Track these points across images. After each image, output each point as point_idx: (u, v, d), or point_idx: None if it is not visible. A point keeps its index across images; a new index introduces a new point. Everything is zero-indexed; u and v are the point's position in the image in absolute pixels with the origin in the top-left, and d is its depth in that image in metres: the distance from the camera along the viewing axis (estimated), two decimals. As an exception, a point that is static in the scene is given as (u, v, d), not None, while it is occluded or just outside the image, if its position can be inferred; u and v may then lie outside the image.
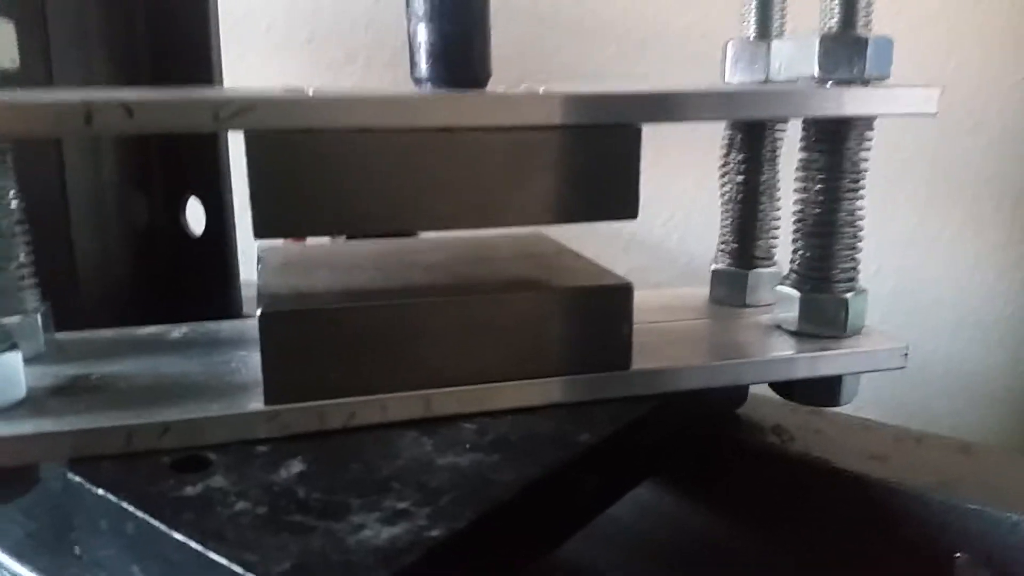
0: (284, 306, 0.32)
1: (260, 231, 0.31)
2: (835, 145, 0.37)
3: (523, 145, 0.33)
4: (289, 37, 0.85)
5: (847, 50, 0.35)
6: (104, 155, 0.55)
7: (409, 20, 0.34)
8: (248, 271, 0.59)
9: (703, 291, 0.45)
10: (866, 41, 0.35)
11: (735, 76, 0.41)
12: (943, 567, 0.35)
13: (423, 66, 0.34)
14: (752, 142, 0.42)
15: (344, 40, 0.84)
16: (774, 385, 0.40)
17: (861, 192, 0.38)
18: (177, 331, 0.40)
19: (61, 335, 0.39)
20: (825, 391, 0.39)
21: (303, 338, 0.32)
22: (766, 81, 0.40)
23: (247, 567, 0.25)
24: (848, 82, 0.36)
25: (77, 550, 0.32)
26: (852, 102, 0.36)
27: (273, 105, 0.30)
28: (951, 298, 0.76)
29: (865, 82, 0.36)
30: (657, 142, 0.75)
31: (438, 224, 0.33)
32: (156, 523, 0.27)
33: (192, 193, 0.57)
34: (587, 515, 0.34)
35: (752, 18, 0.41)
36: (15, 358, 0.32)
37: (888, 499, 0.37)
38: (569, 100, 0.32)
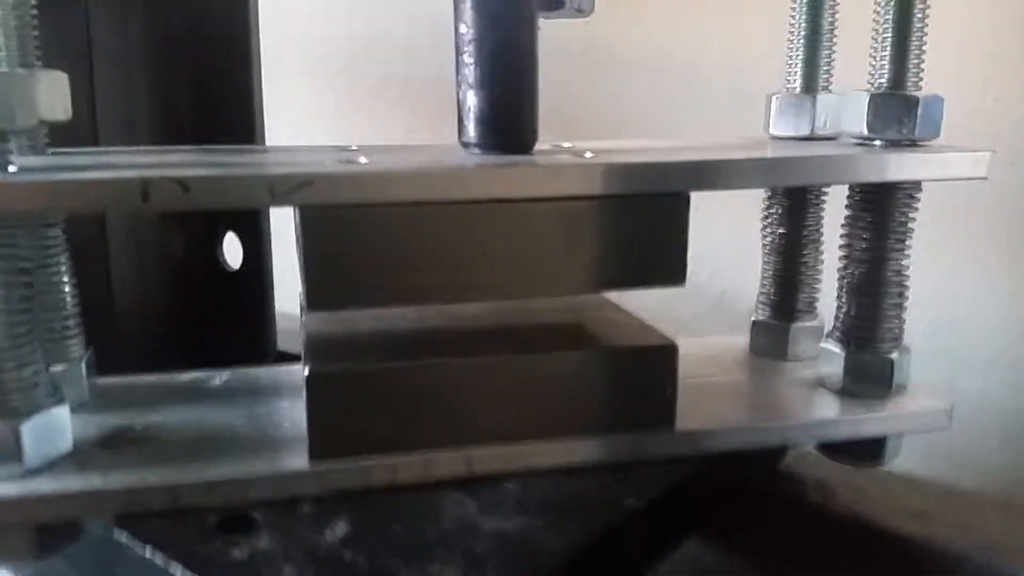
0: (330, 366, 0.32)
1: (313, 304, 0.32)
2: (881, 208, 0.37)
3: (572, 215, 0.33)
4: (324, 66, 0.86)
5: (897, 109, 0.35)
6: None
7: (459, 86, 0.34)
8: (282, 303, 0.59)
9: (742, 340, 0.45)
10: (917, 100, 0.35)
11: (778, 129, 0.41)
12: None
13: (471, 131, 0.34)
14: (796, 192, 0.42)
15: (379, 69, 0.84)
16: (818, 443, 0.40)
17: (907, 252, 0.37)
18: (218, 378, 0.40)
19: (103, 380, 0.39)
20: (869, 451, 0.38)
21: (349, 396, 0.32)
22: (811, 134, 0.40)
23: (297, 642, 0.25)
24: (896, 142, 0.36)
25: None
26: (900, 168, 0.35)
27: (329, 180, 0.30)
28: (985, 335, 0.75)
29: (913, 142, 0.36)
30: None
31: (488, 295, 0.33)
32: (205, 589, 0.27)
33: (229, 228, 0.58)
34: (638, 570, 0.34)
35: (798, 71, 0.40)
36: (63, 412, 0.32)
37: (933, 560, 0.36)
38: (616, 169, 0.33)
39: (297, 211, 0.31)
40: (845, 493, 0.40)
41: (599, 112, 0.75)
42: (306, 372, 0.32)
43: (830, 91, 0.41)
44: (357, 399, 0.32)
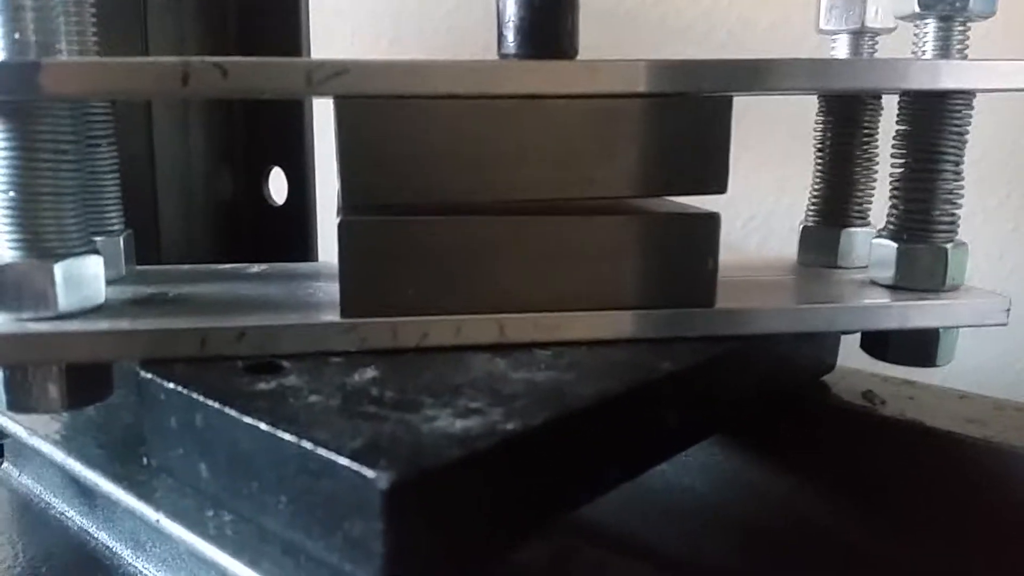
0: (364, 215, 0.32)
1: (348, 198, 0.31)
2: (934, 115, 0.36)
3: (609, 113, 0.32)
4: (373, 40, 0.87)
5: (950, -20, 0.34)
6: (192, 126, 0.56)
7: None
8: (326, 251, 0.59)
9: (790, 255, 0.44)
10: (970, -30, 0.34)
11: (829, 23, 0.40)
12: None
13: (511, 41, 0.34)
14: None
15: (426, 43, 0.85)
16: (866, 344, 0.38)
17: (962, 155, 0.36)
18: (256, 267, 0.40)
19: (141, 267, 0.39)
20: (921, 349, 0.37)
21: (381, 249, 0.31)
22: (862, 28, 0.39)
23: (319, 444, 0.24)
24: (950, 17, 0.34)
25: (145, 460, 0.32)
26: (950, 75, 0.34)
27: (366, 69, 0.30)
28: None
29: (967, 18, 0.35)
30: (737, 140, 0.74)
31: (522, 192, 0.32)
32: (227, 410, 0.26)
33: (275, 164, 0.58)
34: (665, 450, 0.32)
35: (849, -37, 0.39)
36: (96, 261, 0.32)
37: (993, 461, 0.34)
38: (656, 68, 0.32)
39: (334, 103, 0.31)
40: (895, 402, 0.38)
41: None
42: (339, 220, 0.31)
43: (882, -17, 0.40)
44: (389, 253, 0.32)
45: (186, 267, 0.40)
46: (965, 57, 0.35)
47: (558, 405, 0.27)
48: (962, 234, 0.37)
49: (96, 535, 0.37)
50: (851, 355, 0.40)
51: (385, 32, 0.86)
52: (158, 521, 0.28)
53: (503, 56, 0.35)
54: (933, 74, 0.34)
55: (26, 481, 0.42)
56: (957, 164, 0.36)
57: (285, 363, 0.30)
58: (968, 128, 0.36)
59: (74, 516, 0.39)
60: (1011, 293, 0.70)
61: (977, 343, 0.69)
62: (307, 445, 0.24)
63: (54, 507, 0.40)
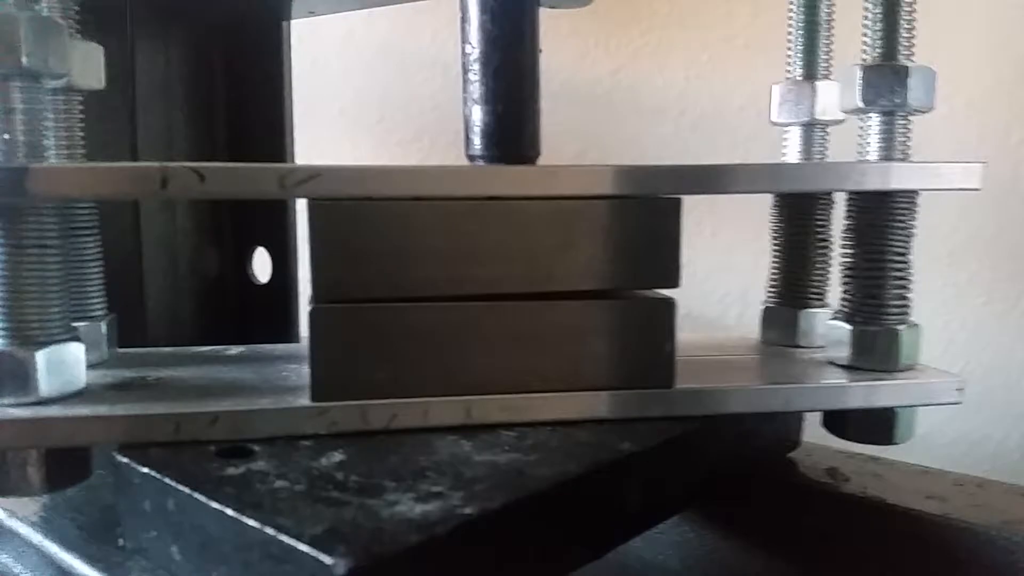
0: (335, 302, 0.33)
1: (320, 294, 0.33)
2: (880, 214, 0.37)
3: (567, 214, 0.34)
4: (360, 119, 0.89)
5: (888, 79, 0.36)
6: (178, 207, 0.58)
7: (465, 102, 0.36)
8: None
9: (753, 334, 0.45)
10: (907, 70, 0.36)
11: (781, 117, 0.42)
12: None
13: (477, 145, 0.36)
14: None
15: (411, 121, 0.87)
16: (827, 422, 0.39)
17: (909, 248, 0.38)
18: (235, 349, 0.42)
19: (123, 350, 0.41)
20: (879, 427, 0.38)
21: (351, 334, 0.33)
22: (811, 120, 0.41)
23: (280, 530, 0.25)
24: (891, 112, 0.36)
25: (121, 542, 0.33)
26: (895, 176, 0.36)
27: (337, 174, 0.32)
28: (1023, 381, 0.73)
29: (908, 112, 0.37)
30: (715, 217, 0.76)
31: (485, 288, 0.34)
32: (196, 495, 0.27)
33: (260, 244, 0.60)
34: (629, 529, 0.33)
35: (797, 59, 0.42)
36: (77, 348, 0.33)
37: (951, 537, 0.35)
38: (610, 172, 0.34)
39: (307, 204, 0.32)
40: (858, 478, 0.39)
41: (623, 155, 0.77)
42: (309, 308, 0.32)
43: (830, 79, 0.42)
44: (359, 338, 0.33)
45: (167, 350, 0.41)
46: (908, 149, 0.37)
47: (517, 488, 0.28)
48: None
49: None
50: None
51: (371, 112, 0.89)
52: (129, 604, 0.29)
53: (470, 157, 0.37)
54: (879, 175, 0.36)
55: (5, 560, 0.42)
56: (904, 254, 0.38)
57: (256, 447, 0.31)
58: (913, 222, 0.38)
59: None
60: (985, 367, 0.71)
61: (953, 418, 0.70)
62: (270, 531, 0.25)
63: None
